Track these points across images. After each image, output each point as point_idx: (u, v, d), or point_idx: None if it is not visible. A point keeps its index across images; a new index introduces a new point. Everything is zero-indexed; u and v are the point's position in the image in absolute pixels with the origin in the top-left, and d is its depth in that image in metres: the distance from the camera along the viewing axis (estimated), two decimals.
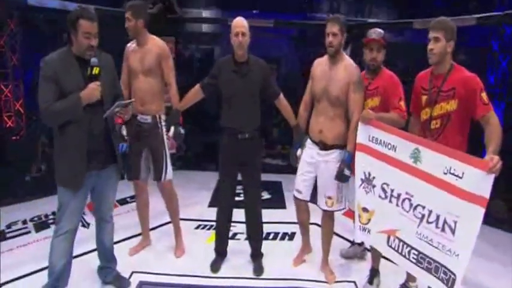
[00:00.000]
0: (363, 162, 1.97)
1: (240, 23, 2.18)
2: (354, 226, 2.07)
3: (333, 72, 2.14)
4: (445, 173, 1.57)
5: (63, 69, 1.77)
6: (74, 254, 2.23)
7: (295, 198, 2.36)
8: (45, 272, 2.07)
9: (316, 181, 2.26)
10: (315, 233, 2.52)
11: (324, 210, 2.27)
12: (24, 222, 3.01)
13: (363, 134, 1.95)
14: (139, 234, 2.71)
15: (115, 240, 2.68)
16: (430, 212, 1.65)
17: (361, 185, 1.98)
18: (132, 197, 3.42)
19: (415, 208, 1.71)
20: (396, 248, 1.82)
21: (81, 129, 1.81)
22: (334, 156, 2.15)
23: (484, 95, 1.70)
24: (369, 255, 2.40)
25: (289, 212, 2.99)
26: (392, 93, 2.09)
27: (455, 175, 1.54)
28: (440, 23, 1.78)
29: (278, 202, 3.57)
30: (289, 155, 2.36)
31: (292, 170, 2.43)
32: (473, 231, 1.50)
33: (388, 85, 2.11)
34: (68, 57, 1.80)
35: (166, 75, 2.40)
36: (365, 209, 1.97)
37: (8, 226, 2.93)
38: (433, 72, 1.85)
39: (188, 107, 2.40)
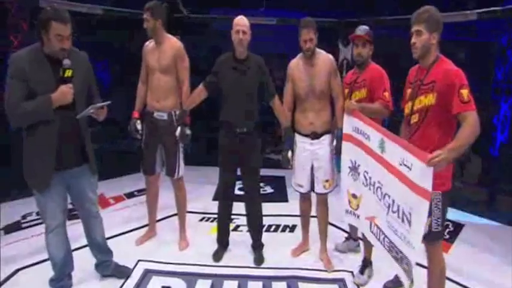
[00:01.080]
0: (349, 151, 2.05)
1: (241, 21, 2.26)
2: (341, 208, 2.16)
3: (313, 70, 2.29)
4: (400, 164, 1.61)
5: (32, 68, 1.69)
6: (74, 247, 2.30)
7: (300, 193, 2.47)
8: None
9: (312, 171, 2.38)
10: (312, 224, 2.60)
11: (320, 194, 2.40)
12: (38, 213, 3.15)
13: (348, 124, 2.04)
14: (145, 226, 2.82)
15: (122, 231, 2.84)
16: (393, 201, 1.69)
17: (349, 172, 2.06)
18: (139, 191, 3.55)
19: (384, 197, 1.76)
20: (376, 235, 1.87)
21: (51, 130, 1.75)
22: (325, 141, 2.33)
23: (464, 91, 1.56)
24: (362, 250, 2.45)
25: (291, 206, 3.07)
26: (377, 84, 2.16)
27: (407, 166, 1.58)
28: (421, 14, 1.70)
29: (280, 196, 3.64)
30: (281, 157, 2.41)
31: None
32: (420, 224, 1.52)
33: (374, 77, 2.19)
34: (39, 56, 1.72)
35: (181, 74, 2.48)
36: (354, 195, 2.05)
37: (24, 217, 3.08)
38: (420, 66, 1.81)
39: (193, 106, 2.47)
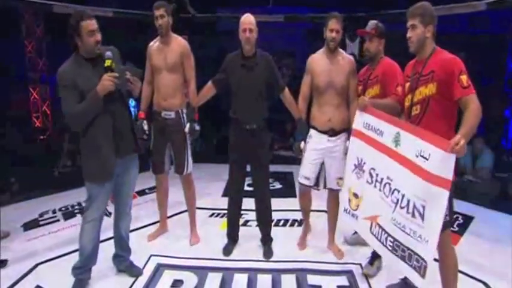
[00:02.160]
0: (356, 148, 2.02)
1: (247, 19, 2.29)
2: (340, 209, 2.14)
3: (335, 65, 2.30)
4: (417, 156, 1.59)
5: (78, 74, 1.86)
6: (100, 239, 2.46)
7: (302, 184, 2.46)
8: (73, 254, 2.31)
9: (322, 166, 2.39)
10: (319, 218, 2.62)
11: (332, 190, 2.42)
12: (54, 211, 3.27)
13: (358, 120, 2.01)
14: (156, 222, 2.89)
15: (135, 227, 2.90)
16: (403, 196, 1.65)
17: (354, 170, 2.03)
18: (150, 189, 3.63)
19: (392, 192, 1.71)
20: (377, 236, 1.82)
21: (106, 124, 1.91)
22: (342, 139, 2.34)
23: (464, 77, 1.61)
24: None
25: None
26: (390, 79, 2.14)
27: (423, 157, 1.55)
28: (416, 9, 1.76)
29: (289, 192, 3.67)
30: (292, 147, 2.46)
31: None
32: (440, 215, 1.48)
33: (387, 72, 2.17)
34: (79, 62, 1.89)
35: (187, 72, 2.53)
36: (355, 195, 2.01)
37: (41, 215, 3.19)
38: (416, 59, 1.84)
39: (202, 103, 2.53)
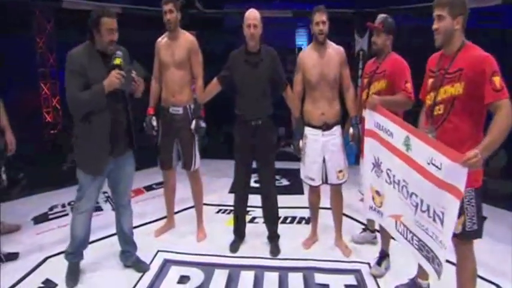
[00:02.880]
0: (371, 147, 1.98)
1: (252, 15, 2.27)
2: (364, 206, 2.11)
3: (325, 58, 2.30)
4: (428, 163, 1.52)
5: (88, 62, 1.89)
6: (103, 236, 2.53)
7: (310, 186, 2.47)
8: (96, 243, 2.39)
9: (324, 163, 2.38)
10: (327, 215, 2.61)
11: (334, 185, 2.41)
12: (63, 205, 3.32)
13: (370, 119, 1.97)
14: (163, 218, 2.90)
15: (142, 222, 2.93)
16: (422, 201, 1.60)
17: (372, 169, 2.00)
18: (158, 184, 3.65)
19: (410, 196, 1.67)
20: (402, 233, 1.79)
21: (105, 117, 1.93)
22: (337, 132, 2.36)
23: (496, 79, 1.44)
24: (379, 238, 2.43)
25: (306, 198, 3.05)
26: (398, 76, 2.10)
27: (435, 166, 1.49)
28: None
29: (296, 188, 3.64)
30: (293, 147, 2.43)
31: None
32: (451, 223, 1.44)
33: (395, 68, 2.13)
34: (92, 52, 1.92)
35: (195, 68, 2.53)
36: (378, 192, 1.99)
37: (50, 209, 3.24)
38: (443, 53, 1.67)
39: (209, 99, 2.52)
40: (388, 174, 1.86)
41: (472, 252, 1.71)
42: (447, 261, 1.61)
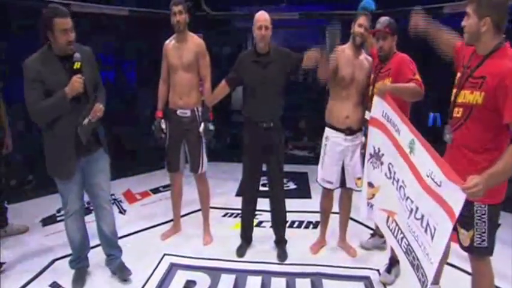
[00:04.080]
0: (374, 137, 1.92)
1: (262, 16, 2.25)
2: (361, 203, 2.06)
3: (359, 61, 2.28)
4: (428, 176, 1.42)
5: (46, 68, 1.82)
6: (96, 243, 2.40)
7: (326, 189, 2.43)
8: (91, 251, 2.32)
9: (343, 167, 2.35)
10: (334, 221, 2.57)
11: (349, 190, 2.40)
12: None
13: (378, 108, 1.89)
14: (170, 221, 2.89)
15: (148, 225, 2.93)
16: (417, 209, 1.51)
17: (369, 159, 1.94)
18: (164, 187, 3.64)
19: (406, 199, 1.59)
20: (392, 231, 1.75)
21: (68, 122, 1.88)
22: (358, 138, 2.31)
23: None
24: (388, 245, 2.38)
25: (314, 202, 3.01)
26: (405, 70, 2.05)
27: (435, 182, 1.38)
28: None
29: (304, 192, 3.61)
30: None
31: (317, 161, 2.45)
32: (443, 243, 1.34)
33: (400, 64, 2.09)
34: (50, 57, 1.85)
35: (203, 71, 2.52)
36: (370, 184, 1.94)
37: (58, 211, 3.24)
38: (475, 50, 1.49)
39: (217, 102, 2.49)
40: (389, 168, 1.78)
41: (489, 269, 1.60)
42: (462, 270, 1.55)
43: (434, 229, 1.39)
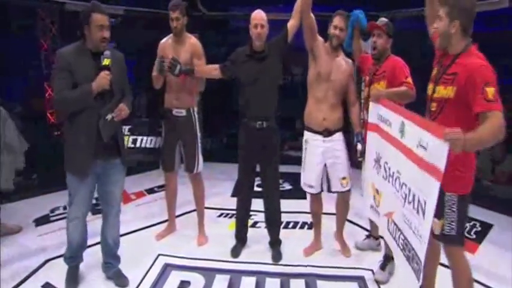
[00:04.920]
0: (374, 142, 1.95)
1: (258, 15, 2.27)
2: (364, 204, 2.09)
3: (337, 62, 2.28)
4: (417, 146, 1.48)
5: (77, 61, 1.87)
6: (95, 242, 2.40)
7: (310, 194, 2.44)
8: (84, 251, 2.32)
9: (324, 170, 2.34)
10: (330, 221, 2.58)
11: (340, 193, 2.36)
12: (65, 207, 3.28)
13: (374, 113, 1.93)
14: (165, 221, 2.88)
15: (143, 225, 2.92)
16: (410, 190, 1.56)
17: (374, 165, 1.96)
18: (159, 187, 3.64)
19: (401, 187, 1.63)
20: (392, 233, 1.76)
21: (91, 117, 1.89)
22: (338, 138, 2.31)
23: (490, 89, 1.38)
24: (382, 245, 2.39)
25: (309, 204, 3.03)
26: (398, 74, 2.10)
27: (423, 147, 1.44)
28: None
29: (299, 193, 3.55)
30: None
31: None
32: (431, 207, 1.39)
33: (394, 68, 2.13)
34: (83, 51, 1.90)
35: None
36: (377, 191, 1.95)
37: (52, 211, 3.23)
38: (448, 50, 1.62)
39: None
40: (385, 168, 1.83)
41: (464, 262, 1.68)
42: (442, 264, 1.58)
43: (425, 202, 1.43)
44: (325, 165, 2.33)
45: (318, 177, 2.35)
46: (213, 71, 2.44)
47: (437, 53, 1.71)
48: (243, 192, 2.53)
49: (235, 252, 2.53)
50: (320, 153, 2.31)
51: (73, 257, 2.15)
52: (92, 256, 2.31)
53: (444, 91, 1.56)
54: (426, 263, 1.47)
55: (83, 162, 1.93)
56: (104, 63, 1.88)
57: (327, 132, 2.28)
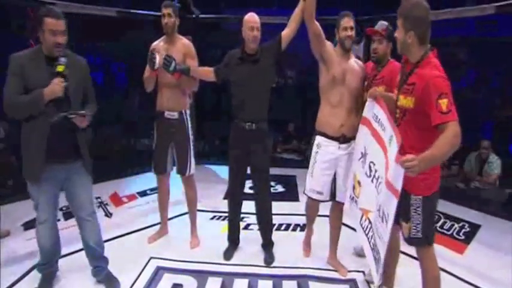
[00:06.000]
0: (363, 136, 1.97)
1: (253, 18, 2.28)
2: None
3: (350, 64, 2.18)
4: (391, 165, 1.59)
5: (30, 65, 1.81)
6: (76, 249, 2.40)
7: (313, 199, 2.30)
8: (73, 256, 2.33)
9: (334, 178, 2.23)
10: (323, 223, 2.57)
11: (340, 203, 2.26)
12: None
13: (369, 109, 1.95)
14: (157, 224, 2.86)
15: (135, 228, 2.89)
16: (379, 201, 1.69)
17: (360, 158, 1.98)
18: (151, 189, 3.61)
19: (379, 193, 1.70)
20: (364, 229, 1.84)
21: (44, 124, 1.83)
22: (351, 147, 2.16)
23: (443, 101, 1.44)
24: None
25: (302, 205, 2.99)
26: (395, 79, 2.03)
27: (391, 167, 1.57)
28: (401, 8, 1.59)
29: (292, 195, 3.63)
30: None
31: (306, 164, 2.37)
32: (391, 222, 1.53)
33: (394, 74, 2.09)
34: (38, 55, 1.84)
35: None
36: (359, 183, 1.97)
37: None
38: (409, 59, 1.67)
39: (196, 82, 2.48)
40: (370, 167, 1.86)
41: (433, 261, 1.74)
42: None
43: (388, 215, 1.57)
44: (334, 172, 2.22)
45: (329, 185, 2.23)
46: (208, 73, 2.44)
47: (403, 59, 1.74)
48: (234, 194, 2.53)
49: (228, 254, 2.52)
50: (333, 160, 2.19)
51: (45, 264, 2.10)
52: (75, 262, 2.28)
53: (404, 101, 1.62)
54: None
55: (34, 167, 1.88)
56: (57, 70, 1.80)
57: (344, 139, 2.15)
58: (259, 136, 2.34)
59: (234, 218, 2.57)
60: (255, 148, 2.35)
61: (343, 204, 2.24)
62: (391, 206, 1.53)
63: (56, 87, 1.79)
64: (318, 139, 2.22)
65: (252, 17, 2.28)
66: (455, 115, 1.46)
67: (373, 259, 1.73)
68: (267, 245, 2.55)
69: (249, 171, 2.46)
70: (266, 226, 2.55)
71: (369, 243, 1.79)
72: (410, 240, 1.70)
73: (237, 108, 2.34)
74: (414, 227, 1.66)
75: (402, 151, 1.53)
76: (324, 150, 2.19)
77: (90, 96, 2.04)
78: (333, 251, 2.43)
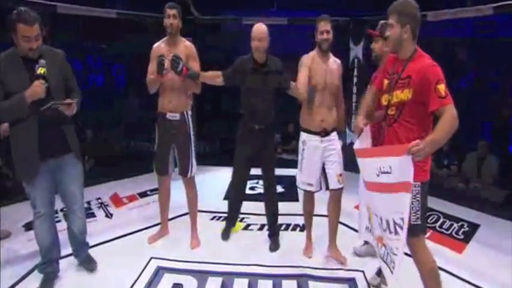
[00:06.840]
0: (362, 169, 1.89)
1: (259, 29, 2.38)
2: (359, 225, 2.06)
3: (329, 66, 2.36)
4: (378, 175, 1.59)
5: (8, 69, 1.79)
6: (94, 243, 2.48)
7: (307, 191, 2.48)
8: (71, 257, 2.32)
9: (323, 168, 2.40)
10: (322, 223, 2.60)
11: (334, 190, 2.41)
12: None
13: (360, 143, 1.85)
14: (157, 224, 2.87)
15: (135, 229, 2.90)
16: (381, 219, 1.65)
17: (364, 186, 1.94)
18: (152, 190, 3.62)
19: (377, 218, 1.71)
20: (383, 257, 1.73)
21: (31, 124, 1.83)
22: (334, 137, 2.40)
23: (441, 87, 1.53)
24: None
25: (301, 205, 3.04)
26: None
27: (385, 172, 1.56)
28: (394, 5, 1.66)
29: (291, 195, 3.63)
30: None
31: None
32: (406, 219, 1.51)
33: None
34: (14, 58, 1.82)
35: None
36: (369, 208, 1.91)
37: None
38: (397, 58, 1.73)
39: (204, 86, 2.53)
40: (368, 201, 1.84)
41: (426, 252, 1.73)
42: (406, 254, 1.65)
43: (402, 219, 1.54)
44: (322, 163, 2.39)
45: (318, 176, 2.41)
46: (216, 78, 2.49)
47: (386, 66, 1.81)
48: (237, 187, 2.65)
49: (226, 235, 2.67)
50: (319, 153, 2.36)
51: (45, 263, 2.11)
52: (74, 263, 2.31)
53: (402, 94, 1.66)
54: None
55: (29, 167, 1.89)
56: (38, 72, 1.79)
57: (325, 133, 2.35)
58: (267, 133, 2.51)
59: (235, 198, 2.70)
60: (263, 145, 2.50)
61: (338, 190, 2.38)
62: (405, 203, 1.50)
63: (37, 89, 1.78)
64: (303, 136, 2.42)
65: (258, 28, 2.38)
66: (451, 99, 1.54)
67: (390, 273, 1.67)
68: (273, 235, 2.67)
69: (252, 172, 2.56)
70: (272, 213, 2.69)
71: (391, 271, 1.68)
72: (412, 228, 1.64)
73: (249, 114, 2.48)
74: (414, 214, 1.66)
75: (401, 144, 1.57)
76: (309, 145, 2.38)
77: (73, 85, 2.04)
78: (333, 242, 2.51)
